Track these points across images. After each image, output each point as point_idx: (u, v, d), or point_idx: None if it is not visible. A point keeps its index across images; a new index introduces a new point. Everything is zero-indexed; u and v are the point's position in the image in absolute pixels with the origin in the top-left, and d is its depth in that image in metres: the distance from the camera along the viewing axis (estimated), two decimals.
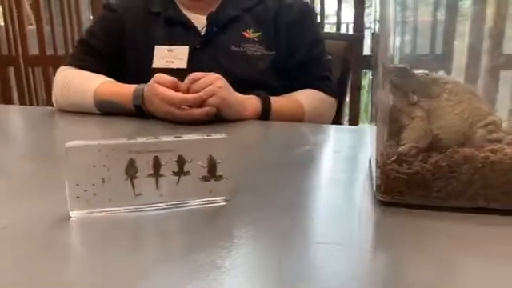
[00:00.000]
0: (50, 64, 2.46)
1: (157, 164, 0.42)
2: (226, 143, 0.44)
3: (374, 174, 0.45)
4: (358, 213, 0.44)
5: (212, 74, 0.81)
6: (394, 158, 0.42)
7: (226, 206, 0.44)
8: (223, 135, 0.44)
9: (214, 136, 0.44)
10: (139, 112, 0.84)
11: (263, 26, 0.95)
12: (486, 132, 0.43)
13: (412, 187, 0.42)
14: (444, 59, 0.53)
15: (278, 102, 0.89)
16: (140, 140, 0.42)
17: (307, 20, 0.98)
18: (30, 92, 2.59)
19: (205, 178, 0.44)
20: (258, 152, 0.68)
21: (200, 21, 0.96)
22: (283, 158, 0.63)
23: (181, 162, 0.43)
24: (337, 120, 1.15)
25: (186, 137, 0.43)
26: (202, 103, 0.78)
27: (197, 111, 0.78)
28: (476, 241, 0.38)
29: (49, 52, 2.49)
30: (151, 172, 0.42)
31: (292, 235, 0.39)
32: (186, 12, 0.97)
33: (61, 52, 2.45)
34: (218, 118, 0.82)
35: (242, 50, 0.93)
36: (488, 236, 0.38)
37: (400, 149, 0.43)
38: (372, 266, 0.35)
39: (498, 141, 0.41)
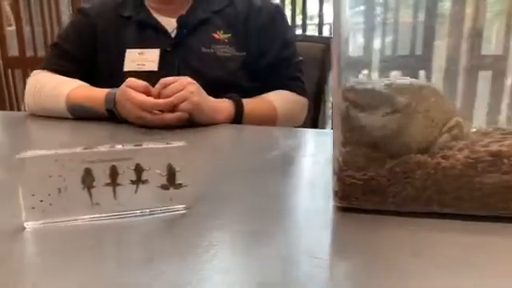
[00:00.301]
0: (30, 65, 2.42)
1: (114, 173, 0.42)
2: (185, 151, 0.44)
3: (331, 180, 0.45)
4: (317, 220, 0.44)
5: (184, 78, 0.81)
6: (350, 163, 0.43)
7: (186, 215, 0.45)
8: (182, 143, 0.44)
9: (173, 144, 0.44)
10: (112, 116, 0.84)
11: (233, 27, 0.95)
12: (450, 138, 0.44)
13: (368, 193, 0.43)
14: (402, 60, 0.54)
15: (250, 104, 0.90)
16: (96, 149, 0.42)
17: (277, 22, 0.99)
18: (10, 94, 2.55)
19: (164, 187, 0.44)
20: (228, 157, 0.68)
21: (171, 24, 0.96)
22: (254, 162, 0.63)
23: (139, 170, 0.43)
24: (312, 122, 1.17)
25: (144, 145, 0.43)
26: (173, 108, 0.78)
27: (168, 116, 0.78)
28: (431, 246, 0.38)
29: (29, 53, 2.46)
30: (108, 181, 0.42)
31: (250, 245, 0.39)
32: (156, 16, 0.98)
33: (41, 53, 2.42)
34: (191, 123, 0.82)
35: (211, 51, 0.94)
36: (441, 241, 0.39)
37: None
38: (327, 276, 0.35)
39: (450, 148, 0.41)
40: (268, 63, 0.97)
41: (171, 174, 0.44)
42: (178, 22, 0.95)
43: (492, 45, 0.56)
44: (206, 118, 0.82)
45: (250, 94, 0.94)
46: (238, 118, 0.87)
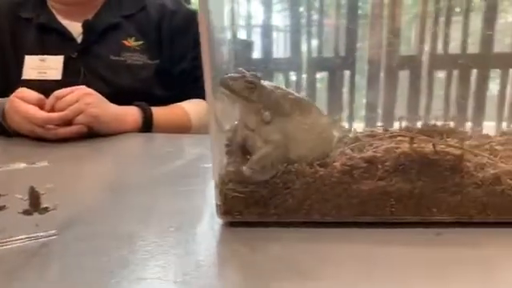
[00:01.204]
0: None
1: None
2: (50, 172, 0.40)
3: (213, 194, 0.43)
4: (200, 240, 0.42)
5: (81, 88, 0.75)
6: (232, 176, 0.41)
7: (55, 241, 0.40)
8: (45, 163, 0.40)
9: (35, 165, 0.40)
10: (1, 130, 0.76)
11: (146, 34, 0.91)
12: (341, 151, 0.43)
13: (250, 206, 0.41)
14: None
15: (160, 112, 0.86)
16: None
17: (193, 27, 0.96)
18: None
19: (26, 212, 0.40)
20: (124, 170, 0.64)
21: (76, 28, 0.90)
22: (150, 175, 0.60)
23: None
24: None
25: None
26: (70, 121, 0.73)
27: (62, 131, 0.73)
28: (312, 261, 0.37)
29: None
30: None
31: (127, 272, 0.36)
32: (60, 18, 0.91)
33: None
34: (93, 133, 0.77)
35: (121, 59, 0.89)
36: (326, 255, 0.37)
37: (244, 170, 0.41)
38: None
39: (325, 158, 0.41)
40: (182, 69, 0.94)
41: (34, 198, 0.40)
42: (83, 26, 0.89)
43: (410, 46, 0.58)
44: (109, 128, 0.78)
45: (166, 103, 0.90)
46: (146, 126, 0.83)
